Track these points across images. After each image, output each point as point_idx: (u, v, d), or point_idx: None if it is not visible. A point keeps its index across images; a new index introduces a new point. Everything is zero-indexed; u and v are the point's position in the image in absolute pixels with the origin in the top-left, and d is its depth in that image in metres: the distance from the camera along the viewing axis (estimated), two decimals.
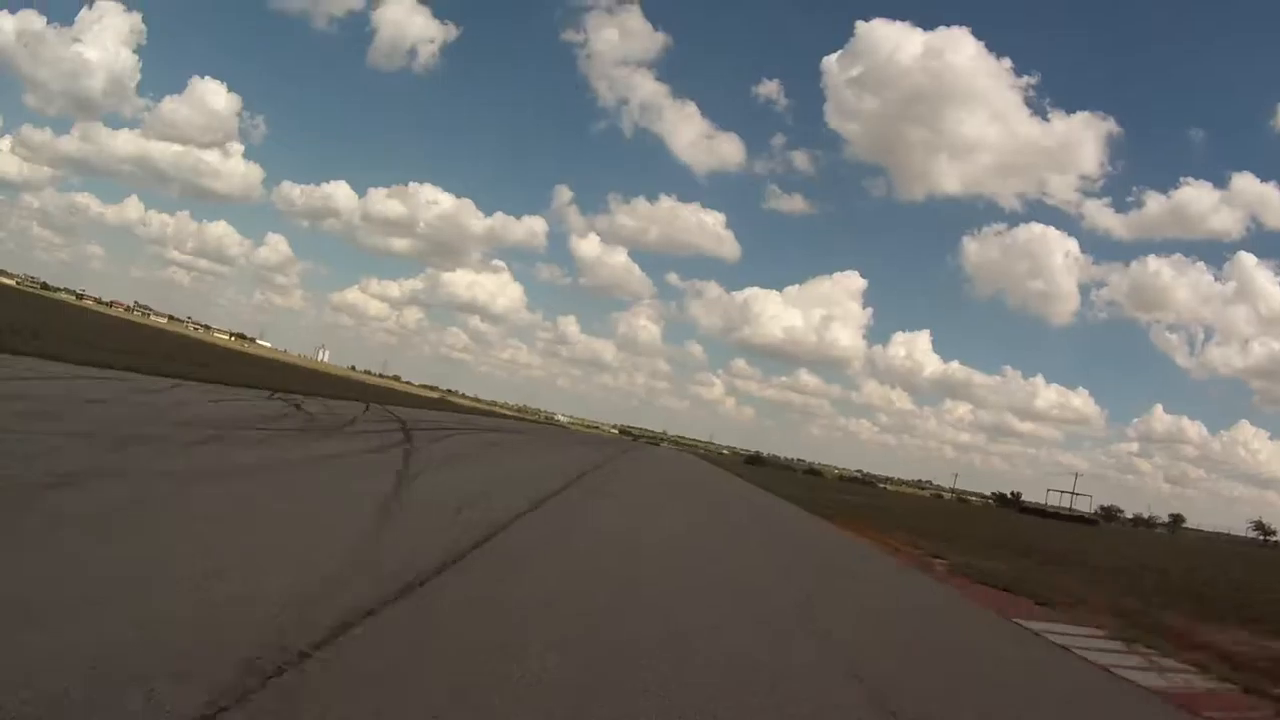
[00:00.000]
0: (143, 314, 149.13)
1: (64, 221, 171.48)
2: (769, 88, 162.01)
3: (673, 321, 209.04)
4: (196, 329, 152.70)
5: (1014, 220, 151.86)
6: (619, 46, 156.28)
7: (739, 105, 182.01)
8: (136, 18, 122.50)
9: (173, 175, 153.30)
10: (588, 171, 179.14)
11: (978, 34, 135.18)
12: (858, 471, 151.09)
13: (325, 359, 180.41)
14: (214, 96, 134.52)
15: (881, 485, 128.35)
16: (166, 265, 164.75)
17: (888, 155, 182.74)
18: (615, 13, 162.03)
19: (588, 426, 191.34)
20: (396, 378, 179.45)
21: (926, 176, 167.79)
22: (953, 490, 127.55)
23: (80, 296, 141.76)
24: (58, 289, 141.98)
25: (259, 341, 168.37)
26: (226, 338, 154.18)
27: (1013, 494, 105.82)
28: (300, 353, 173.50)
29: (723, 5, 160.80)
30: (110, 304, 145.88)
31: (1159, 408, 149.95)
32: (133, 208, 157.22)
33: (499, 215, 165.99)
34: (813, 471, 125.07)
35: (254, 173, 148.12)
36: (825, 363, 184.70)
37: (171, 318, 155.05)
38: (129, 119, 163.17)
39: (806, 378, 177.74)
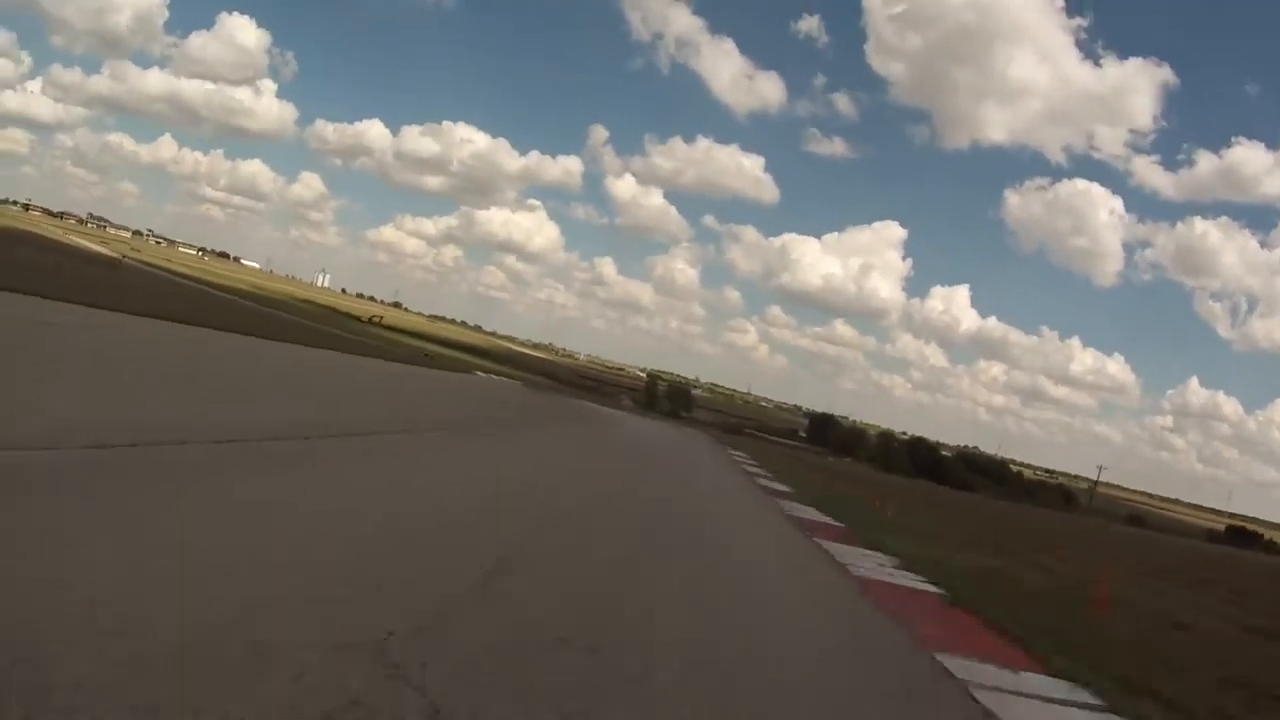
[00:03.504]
0: (97, 226, 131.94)
1: (98, 160, 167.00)
2: (809, 24, 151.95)
3: (710, 265, 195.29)
4: (159, 244, 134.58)
5: (1059, 174, 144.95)
6: None
7: (779, 42, 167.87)
8: None
9: (205, 114, 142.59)
10: (623, 110, 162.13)
11: None
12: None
13: (325, 283, 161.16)
14: (243, 33, 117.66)
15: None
16: (201, 202, 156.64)
17: (932, 98, 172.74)
18: None
19: (611, 368, 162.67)
20: (398, 304, 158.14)
21: (971, 123, 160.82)
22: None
23: (27, 207, 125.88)
24: (10, 201, 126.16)
25: (244, 262, 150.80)
26: (193, 253, 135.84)
27: None
28: (292, 274, 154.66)
29: None
30: (61, 215, 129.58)
31: (1195, 380, 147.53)
32: (166, 146, 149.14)
33: (534, 154, 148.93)
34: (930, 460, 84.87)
35: (287, 111, 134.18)
36: (862, 314, 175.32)
37: (135, 232, 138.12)
38: (158, 57, 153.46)
39: (842, 329, 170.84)
